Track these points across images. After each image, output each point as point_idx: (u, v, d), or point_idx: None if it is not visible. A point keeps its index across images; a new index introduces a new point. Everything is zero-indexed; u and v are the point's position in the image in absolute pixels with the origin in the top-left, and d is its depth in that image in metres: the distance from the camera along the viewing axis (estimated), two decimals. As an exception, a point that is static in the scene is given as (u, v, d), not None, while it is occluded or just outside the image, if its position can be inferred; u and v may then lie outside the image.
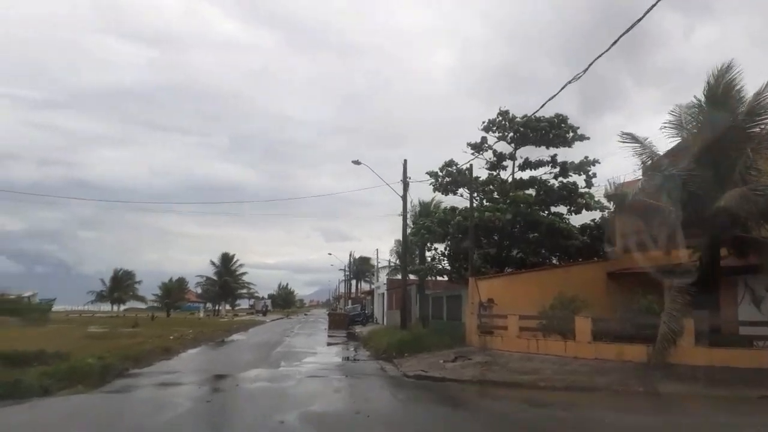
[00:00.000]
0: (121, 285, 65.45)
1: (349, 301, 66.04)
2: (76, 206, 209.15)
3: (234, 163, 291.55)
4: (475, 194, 22.43)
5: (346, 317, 44.77)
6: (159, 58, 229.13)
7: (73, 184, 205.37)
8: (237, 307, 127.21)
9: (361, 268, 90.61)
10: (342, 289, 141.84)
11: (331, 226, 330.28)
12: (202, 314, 66.16)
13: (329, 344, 26.88)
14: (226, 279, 69.30)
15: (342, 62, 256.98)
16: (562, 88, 11.84)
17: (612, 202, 17.37)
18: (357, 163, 23.23)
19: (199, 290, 76.17)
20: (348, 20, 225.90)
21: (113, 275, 65.98)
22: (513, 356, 16.12)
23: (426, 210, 53.26)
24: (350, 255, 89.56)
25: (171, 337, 24.41)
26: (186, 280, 75.16)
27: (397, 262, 62.91)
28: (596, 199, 22.23)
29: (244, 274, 73.86)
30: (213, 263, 70.74)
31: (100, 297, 65.14)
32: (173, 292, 66.08)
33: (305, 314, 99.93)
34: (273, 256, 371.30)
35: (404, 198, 23.15)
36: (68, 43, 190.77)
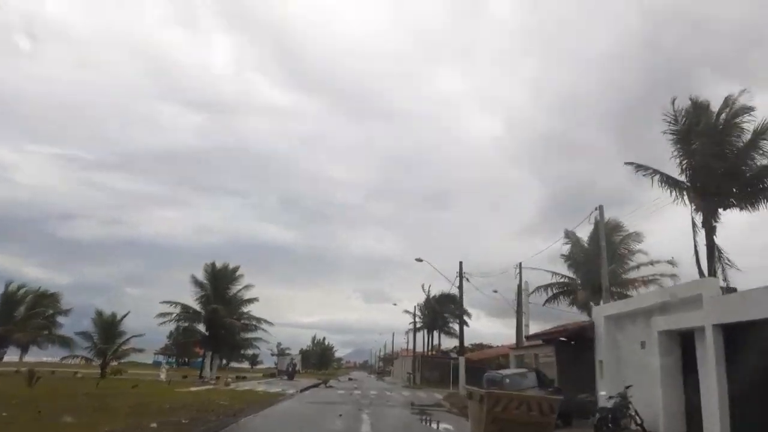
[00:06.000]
0: (11, 317, 33.06)
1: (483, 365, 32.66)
2: (125, 263, 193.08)
3: (279, 224, 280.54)
4: None
5: (550, 412, 11.95)
6: (208, 122, 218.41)
7: (123, 242, 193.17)
8: (259, 365, 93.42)
9: (442, 309, 57.37)
10: (390, 347, 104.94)
11: (372, 287, 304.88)
12: (163, 375, 33.88)
13: None
14: (215, 308, 36.81)
15: (388, 127, 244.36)
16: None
17: None
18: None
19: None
20: (394, 87, 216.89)
21: (2, 296, 34.45)
22: None
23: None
24: (425, 289, 57.69)
25: None
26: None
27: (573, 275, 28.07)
28: None
29: (253, 301, 41.04)
30: (195, 280, 38.83)
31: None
32: (112, 331, 34.19)
33: (349, 378, 66.03)
34: (310, 315, 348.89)
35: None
36: (121, 108, 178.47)
